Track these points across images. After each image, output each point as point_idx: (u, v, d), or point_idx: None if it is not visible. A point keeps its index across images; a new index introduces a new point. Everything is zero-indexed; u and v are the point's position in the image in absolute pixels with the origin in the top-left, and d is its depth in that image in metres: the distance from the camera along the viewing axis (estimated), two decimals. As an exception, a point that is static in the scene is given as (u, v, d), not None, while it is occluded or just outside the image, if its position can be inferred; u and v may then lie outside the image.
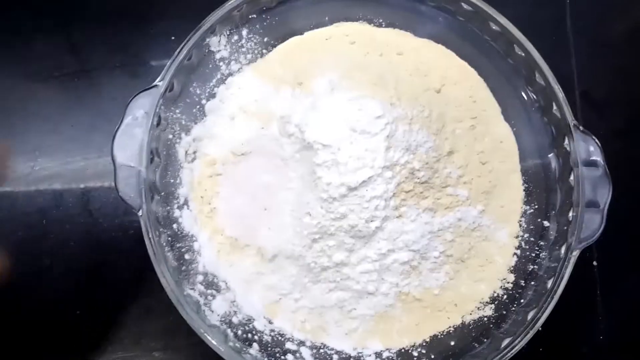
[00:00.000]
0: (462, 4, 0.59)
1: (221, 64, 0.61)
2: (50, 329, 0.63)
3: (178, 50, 0.56)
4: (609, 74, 0.71)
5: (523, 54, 0.59)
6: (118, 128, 0.54)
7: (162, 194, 0.57)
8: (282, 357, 0.56)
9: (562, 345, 0.64)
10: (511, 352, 0.53)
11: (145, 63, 0.69)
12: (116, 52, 0.69)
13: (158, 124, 0.55)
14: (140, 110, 0.54)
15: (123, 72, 0.68)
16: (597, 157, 0.56)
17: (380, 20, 0.64)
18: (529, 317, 0.54)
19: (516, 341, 0.53)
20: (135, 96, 0.54)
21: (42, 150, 0.67)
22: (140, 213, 0.53)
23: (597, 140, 0.56)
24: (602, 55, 0.71)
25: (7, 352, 0.63)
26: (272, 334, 0.57)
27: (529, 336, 0.53)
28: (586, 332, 0.65)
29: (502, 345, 0.53)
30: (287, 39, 0.64)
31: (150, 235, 0.53)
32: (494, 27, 0.59)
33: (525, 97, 0.61)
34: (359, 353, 0.58)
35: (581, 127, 0.56)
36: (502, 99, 0.62)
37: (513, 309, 0.57)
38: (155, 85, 0.55)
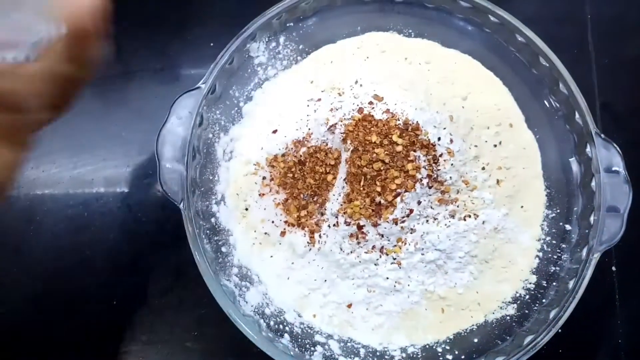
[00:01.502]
0: (490, 16, 0.63)
1: (259, 69, 0.65)
2: (88, 318, 0.66)
3: (221, 54, 0.59)
4: (628, 87, 0.73)
5: (547, 65, 0.61)
6: (163, 126, 0.57)
7: (202, 189, 0.60)
8: (312, 348, 0.58)
9: (581, 348, 0.66)
10: (534, 349, 0.54)
11: (184, 68, 0.73)
12: (157, 57, 0.73)
13: (200, 123, 0.59)
14: (185, 110, 0.58)
15: (164, 76, 0.72)
16: (618, 164, 0.58)
17: (410, 31, 0.67)
18: (551, 315, 0.56)
19: (539, 338, 0.55)
20: (179, 97, 0.58)
21: (86, 147, 0.71)
22: (181, 206, 0.56)
23: (617, 147, 0.58)
24: (622, 69, 0.74)
25: (46, 336, 0.66)
26: (302, 326, 0.60)
27: (551, 334, 0.55)
28: (605, 336, 0.66)
29: (525, 343, 0.55)
30: (321, 46, 0.67)
31: (191, 227, 0.56)
32: (519, 39, 0.62)
33: (548, 106, 0.64)
34: (384, 348, 0.60)
35: (602, 135, 0.58)
36: (526, 107, 0.65)
37: (535, 308, 0.59)
38: (199, 87, 0.59)
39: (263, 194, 0.62)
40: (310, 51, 0.67)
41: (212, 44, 0.72)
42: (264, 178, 0.62)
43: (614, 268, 0.68)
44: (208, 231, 0.59)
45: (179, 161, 0.57)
